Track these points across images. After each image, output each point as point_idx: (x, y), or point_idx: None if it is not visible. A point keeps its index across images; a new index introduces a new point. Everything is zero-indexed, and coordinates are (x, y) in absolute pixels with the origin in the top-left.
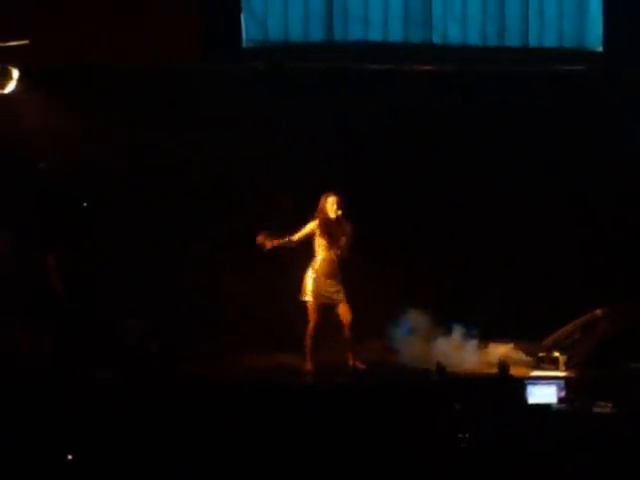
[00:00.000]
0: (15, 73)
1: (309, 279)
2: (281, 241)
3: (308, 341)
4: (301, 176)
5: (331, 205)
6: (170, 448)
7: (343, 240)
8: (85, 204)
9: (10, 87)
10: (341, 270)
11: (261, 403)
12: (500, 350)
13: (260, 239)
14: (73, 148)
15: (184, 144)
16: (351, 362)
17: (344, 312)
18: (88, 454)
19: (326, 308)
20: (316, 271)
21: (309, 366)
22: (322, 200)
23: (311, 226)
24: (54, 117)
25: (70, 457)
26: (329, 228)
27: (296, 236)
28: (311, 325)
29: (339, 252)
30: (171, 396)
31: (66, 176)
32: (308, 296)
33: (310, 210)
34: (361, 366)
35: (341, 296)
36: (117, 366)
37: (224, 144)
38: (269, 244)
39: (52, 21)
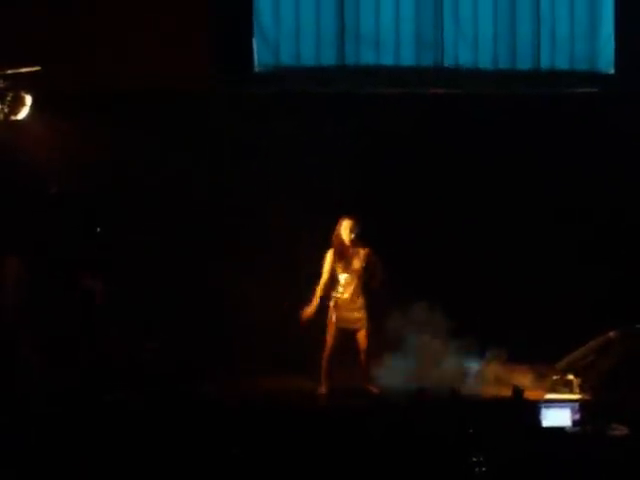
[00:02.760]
0: (28, 99)
1: (331, 303)
2: (316, 297)
3: (324, 364)
4: (313, 199)
5: (345, 229)
6: (185, 471)
7: (357, 264)
8: (99, 229)
9: (23, 113)
10: (364, 295)
11: (275, 426)
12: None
13: (304, 314)
14: (86, 172)
15: (196, 167)
16: (365, 386)
17: (362, 337)
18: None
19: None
20: (336, 297)
21: (324, 389)
22: (339, 223)
23: (329, 257)
24: (67, 142)
25: None
26: (344, 252)
27: (324, 276)
28: (328, 349)
29: (358, 275)
30: (186, 419)
31: (80, 201)
32: (330, 320)
33: (323, 231)
34: (374, 390)
35: (362, 322)
36: (132, 388)
37: (235, 167)
38: (310, 311)
39: (64, 46)
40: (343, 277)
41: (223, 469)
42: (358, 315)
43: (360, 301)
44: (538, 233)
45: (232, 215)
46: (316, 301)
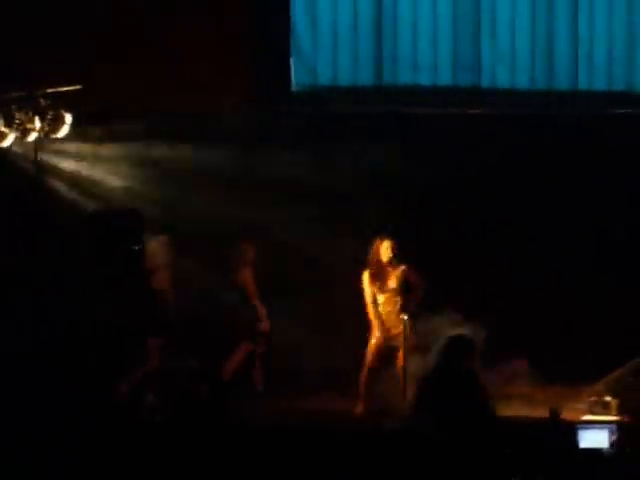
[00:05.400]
0: (68, 118)
1: (374, 322)
2: (375, 322)
3: (362, 382)
4: (350, 220)
5: (385, 249)
6: None
7: (393, 283)
8: (136, 247)
9: (63, 132)
10: (407, 315)
11: (311, 448)
12: None
13: (376, 345)
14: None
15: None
16: (401, 407)
17: (400, 356)
18: None
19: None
20: (380, 315)
21: (360, 409)
22: (376, 243)
23: (366, 278)
24: (106, 162)
25: None
26: (381, 273)
27: (368, 298)
28: (367, 367)
29: (395, 294)
30: (221, 441)
31: (115, 220)
32: (373, 338)
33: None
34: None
35: (401, 340)
36: (167, 409)
37: (276, 186)
38: (380, 336)
39: (105, 66)
40: (381, 298)
41: None
42: (398, 334)
43: (401, 319)
44: (577, 254)
45: (267, 231)
46: (379, 327)
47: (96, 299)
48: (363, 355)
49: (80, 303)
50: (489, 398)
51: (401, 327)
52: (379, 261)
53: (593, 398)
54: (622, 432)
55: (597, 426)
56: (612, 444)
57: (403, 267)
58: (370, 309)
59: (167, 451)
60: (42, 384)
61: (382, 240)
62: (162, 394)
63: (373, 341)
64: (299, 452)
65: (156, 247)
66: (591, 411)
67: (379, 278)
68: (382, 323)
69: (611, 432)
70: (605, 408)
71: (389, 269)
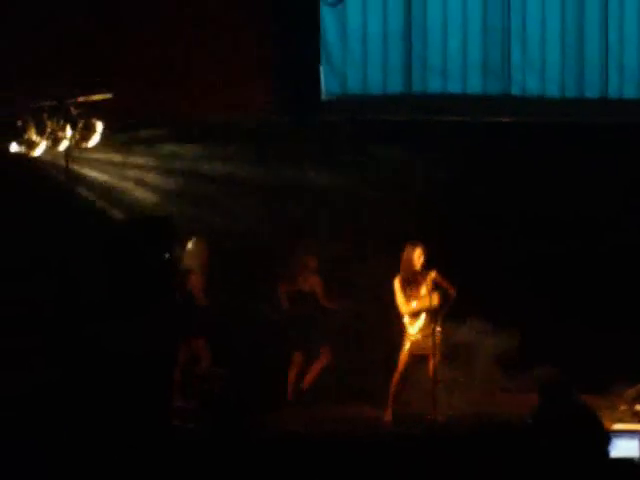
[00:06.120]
0: (99, 126)
1: (406, 329)
2: (410, 324)
3: (392, 391)
4: (381, 227)
5: (418, 256)
6: None
7: (424, 289)
8: (167, 255)
9: (94, 140)
10: (439, 321)
11: (340, 456)
12: None
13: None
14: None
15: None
16: (431, 415)
17: (433, 365)
18: None
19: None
20: (410, 322)
21: (389, 416)
22: (408, 250)
23: (398, 284)
24: (135, 169)
25: None
26: (412, 279)
27: (399, 301)
28: (397, 374)
29: (427, 301)
30: (250, 449)
31: (146, 227)
32: (405, 344)
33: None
34: (440, 418)
35: (433, 348)
36: (204, 417)
37: (306, 195)
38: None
39: (134, 74)
40: (412, 304)
41: None
42: (430, 341)
43: (432, 327)
44: (608, 263)
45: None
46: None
47: (128, 308)
48: (390, 364)
49: (112, 313)
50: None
51: (431, 335)
52: (410, 268)
53: (623, 407)
54: None
55: (628, 435)
56: None
57: (433, 274)
58: (404, 308)
59: (199, 459)
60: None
61: (414, 247)
62: (192, 399)
63: (407, 346)
64: (329, 459)
65: (193, 249)
66: (622, 420)
67: (410, 284)
68: (409, 332)
69: None
70: (636, 417)
71: (419, 276)
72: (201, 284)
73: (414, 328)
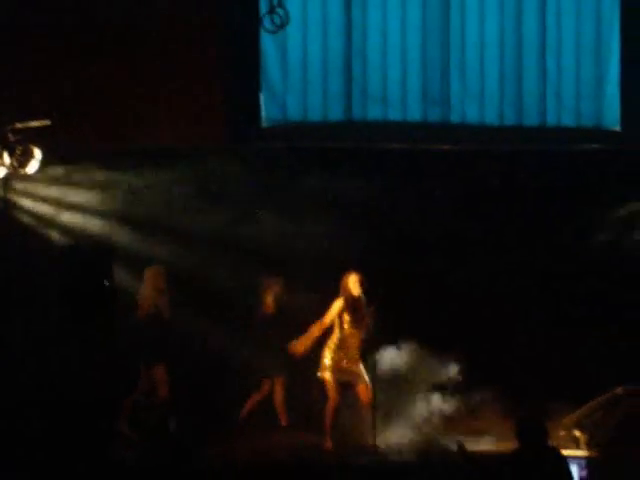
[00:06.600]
0: (38, 153)
1: (327, 355)
2: (309, 336)
3: (328, 419)
4: (321, 255)
5: (353, 283)
6: None
7: (367, 319)
8: (107, 283)
9: (33, 167)
10: (364, 350)
11: None
12: None
13: (293, 348)
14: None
15: (206, 222)
16: (371, 442)
17: (363, 391)
18: None
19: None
20: (335, 348)
21: (329, 444)
22: (344, 278)
23: (338, 304)
24: (76, 197)
25: None
26: (353, 305)
27: (327, 319)
28: (331, 402)
29: (363, 331)
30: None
31: (86, 255)
32: (326, 372)
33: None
34: (382, 447)
35: (361, 375)
36: (140, 446)
37: (243, 222)
38: (300, 347)
39: (75, 102)
40: (349, 331)
41: None
42: (355, 367)
43: (358, 355)
44: (541, 287)
45: (235, 264)
46: (307, 341)
47: (68, 335)
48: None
49: (51, 340)
50: None
51: (359, 363)
52: (350, 295)
53: (562, 432)
54: (591, 467)
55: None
56: (582, 479)
57: (372, 307)
58: (319, 326)
59: None
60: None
61: (349, 274)
62: (134, 427)
63: (327, 374)
64: None
65: (149, 275)
66: (561, 446)
67: (354, 312)
68: (336, 358)
69: (580, 467)
70: (575, 443)
71: (362, 304)
72: (165, 309)
73: (341, 355)
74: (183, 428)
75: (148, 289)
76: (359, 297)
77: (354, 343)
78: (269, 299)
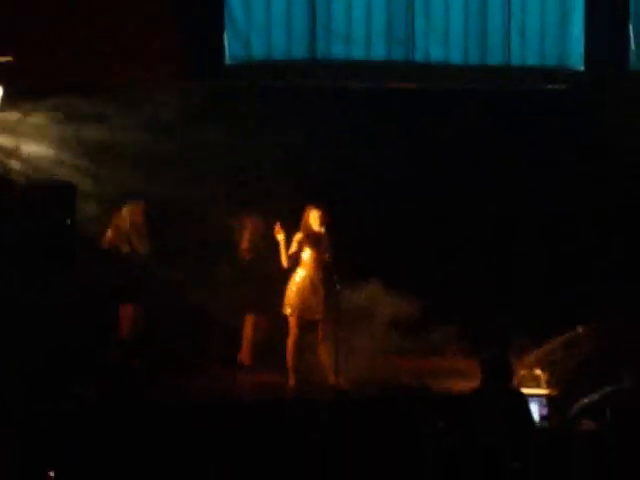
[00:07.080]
0: None
1: (290, 292)
2: (288, 252)
3: (289, 354)
4: (283, 193)
5: (314, 219)
6: (150, 469)
7: (328, 254)
8: (69, 221)
9: None
10: (328, 286)
11: (244, 422)
12: None
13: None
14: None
15: (162, 162)
16: (333, 380)
17: (326, 327)
18: (69, 471)
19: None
20: (298, 284)
21: (292, 382)
22: (305, 214)
23: (297, 238)
24: (37, 133)
25: (52, 474)
26: (314, 241)
27: (291, 250)
28: (291, 340)
29: (324, 267)
30: (150, 416)
31: (48, 193)
32: (288, 308)
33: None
34: (344, 385)
35: (323, 311)
36: (99, 383)
37: (204, 161)
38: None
39: (35, 38)
40: (310, 267)
41: (190, 466)
42: (320, 306)
43: (322, 291)
44: (508, 226)
45: (195, 207)
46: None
47: (29, 274)
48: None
49: (14, 279)
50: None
51: (322, 300)
52: (311, 231)
53: (523, 372)
54: (552, 405)
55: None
56: (542, 417)
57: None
58: (284, 258)
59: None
60: None
61: (310, 210)
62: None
63: (289, 310)
64: (232, 426)
65: (126, 213)
66: (522, 384)
67: (313, 246)
68: (298, 292)
69: (541, 405)
70: (535, 381)
71: (323, 239)
72: (140, 248)
73: (302, 288)
74: (147, 370)
75: (125, 225)
76: (320, 232)
77: (316, 279)
78: (245, 237)
